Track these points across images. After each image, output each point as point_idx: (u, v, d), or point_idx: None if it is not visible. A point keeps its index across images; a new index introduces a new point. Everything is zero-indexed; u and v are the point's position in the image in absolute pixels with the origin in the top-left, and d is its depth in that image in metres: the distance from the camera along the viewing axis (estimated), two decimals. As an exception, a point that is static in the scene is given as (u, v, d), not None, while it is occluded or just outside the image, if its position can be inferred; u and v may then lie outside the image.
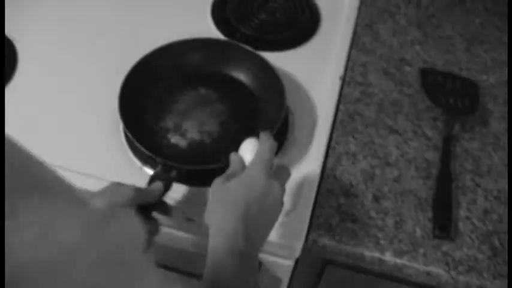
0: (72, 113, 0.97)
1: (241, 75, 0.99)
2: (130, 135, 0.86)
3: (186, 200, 0.85)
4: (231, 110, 0.95)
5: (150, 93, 0.96)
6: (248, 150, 0.75)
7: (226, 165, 0.77)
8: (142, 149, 0.85)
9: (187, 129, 0.92)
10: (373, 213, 0.86)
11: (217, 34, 1.11)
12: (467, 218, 0.87)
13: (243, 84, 0.99)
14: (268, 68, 0.95)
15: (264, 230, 0.70)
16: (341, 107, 1.00)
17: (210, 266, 0.65)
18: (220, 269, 0.64)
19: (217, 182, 0.72)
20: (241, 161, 0.75)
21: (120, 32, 1.10)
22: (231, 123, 0.93)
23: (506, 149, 0.96)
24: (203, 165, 0.85)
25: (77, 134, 0.93)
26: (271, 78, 0.94)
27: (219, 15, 1.16)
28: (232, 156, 0.76)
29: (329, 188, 0.89)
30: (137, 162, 0.89)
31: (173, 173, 0.81)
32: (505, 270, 0.81)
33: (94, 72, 1.03)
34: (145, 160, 0.89)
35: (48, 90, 1.00)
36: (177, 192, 0.86)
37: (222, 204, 0.70)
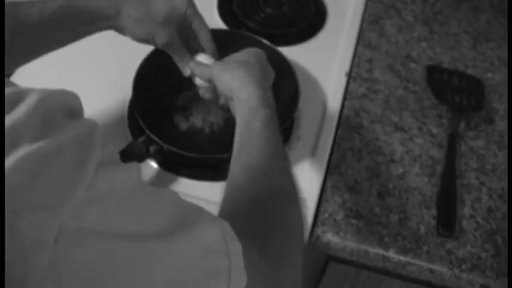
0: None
1: None
2: (134, 103, 0.88)
3: (190, 194, 0.85)
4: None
5: (169, 74, 0.96)
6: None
7: (208, 159, 0.83)
8: (138, 116, 0.85)
9: (192, 113, 0.93)
10: (377, 210, 0.86)
11: (223, 28, 1.11)
12: (471, 216, 0.87)
13: None
14: (282, 59, 0.95)
15: (270, 86, 0.76)
16: (346, 103, 1.00)
17: (242, 115, 0.69)
18: (255, 114, 0.68)
19: (217, 63, 0.79)
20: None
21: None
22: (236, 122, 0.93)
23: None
24: (182, 151, 0.84)
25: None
26: (285, 68, 0.95)
27: (225, 9, 1.16)
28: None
29: (334, 184, 0.89)
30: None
31: (152, 149, 0.83)
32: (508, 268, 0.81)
33: (101, 62, 1.03)
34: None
35: (54, 80, 0.99)
36: (182, 184, 0.86)
37: (237, 64, 0.75)
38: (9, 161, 0.32)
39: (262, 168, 0.62)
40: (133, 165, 0.43)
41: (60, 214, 0.34)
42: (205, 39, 0.84)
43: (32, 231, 0.32)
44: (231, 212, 0.58)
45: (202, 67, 0.80)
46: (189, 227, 0.44)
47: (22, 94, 0.36)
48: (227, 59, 0.78)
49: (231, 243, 0.47)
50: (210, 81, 0.79)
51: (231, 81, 0.74)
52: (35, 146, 0.34)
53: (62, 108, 0.39)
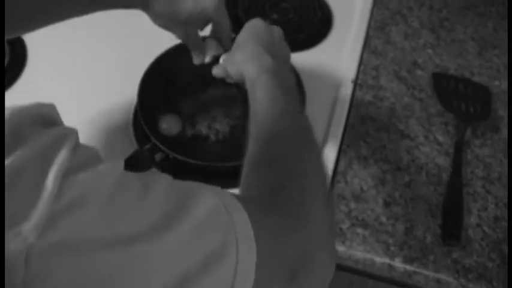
0: (82, 111, 0.97)
1: None
2: (139, 111, 0.88)
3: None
4: (247, 117, 0.94)
5: (175, 80, 0.97)
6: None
7: (213, 167, 0.83)
8: (142, 123, 0.85)
9: (198, 120, 0.93)
10: (383, 219, 0.86)
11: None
12: (478, 225, 0.87)
13: None
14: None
15: (285, 57, 0.78)
16: (352, 110, 1.00)
17: (249, 92, 0.70)
18: (256, 84, 0.68)
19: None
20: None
21: (132, 32, 1.09)
22: (241, 130, 0.93)
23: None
24: (188, 158, 0.84)
25: (87, 133, 0.93)
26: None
27: (230, 15, 1.15)
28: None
29: (339, 192, 0.88)
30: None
31: (157, 157, 0.83)
32: (515, 279, 0.81)
33: (106, 70, 1.03)
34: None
35: (57, 89, 1.00)
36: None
37: (237, 50, 0.76)
38: None
39: (272, 131, 0.62)
40: (113, 161, 0.41)
41: (26, 234, 0.32)
42: (226, 43, 0.85)
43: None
44: (246, 182, 0.58)
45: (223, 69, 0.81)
46: (186, 209, 0.42)
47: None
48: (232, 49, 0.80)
49: (234, 213, 0.45)
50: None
51: (232, 66, 0.76)
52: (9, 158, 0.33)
53: (36, 119, 0.37)
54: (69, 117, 0.95)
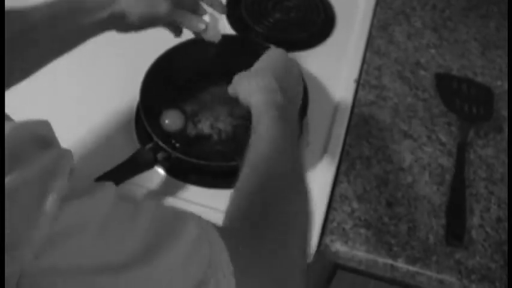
0: (85, 110, 0.96)
1: None
2: (141, 110, 0.88)
3: (198, 201, 0.85)
4: (250, 117, 0.94)
5: (177, 79, 0.97)
6: None
7: (216, 167, 0.84)
8: (145, 122, 0.85)
9: (201, 119, 0.93)
10: (386, 219, 0.86)
11: (232, 33, 1.10)
12: (481, 225, 0.86)
13: None
14: None
15: (295, 93, 0.79)
16: (355, 110, 1.00)
17: (253, 121, 0.70)
18: (262, 119, 0.68)
19: (240, 73, 0.79)
20: None
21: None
22: (244, 129, 0.93)
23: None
24: (190, 158, 0.84)
25: (90, 132, 0.93)
26: None
27: (233, 14, 1.15)
28: None
29: (342, 192, 0.88)
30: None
31: (159, 156, 0.83)
32: (518, 280, 0.81)
33: (109, 69, 1.02)
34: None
35: (60, 87, 1.00)
36: (190, 192, 0.86)
37: (252, 75, 0.76)
38: None
39: (265, 166, 0.62)
40: (106, 188, 0.42)
41: (21, 257, 0.33)
42: (218, 8, 0.86)
43: None
44: (231, 210, 0.58)
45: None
46: (171, 238, 0.43)
47: None
48: (248, 71, 0.80)
49: (216, 246, 0.46)
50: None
51: (246, 93, 0.75)
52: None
53: (33, 138, 0.38)
54: (72, 117, 0.95)
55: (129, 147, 0.88)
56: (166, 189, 0.86)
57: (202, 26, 0.83)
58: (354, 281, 0.94)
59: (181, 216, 0.47)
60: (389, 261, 0.82)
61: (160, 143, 0.83)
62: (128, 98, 0.95)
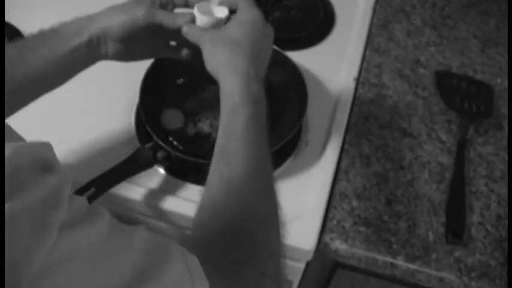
0: (85, 109, 0.97)
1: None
2: (141, 109, 0.88)
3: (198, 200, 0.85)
4: None
5: (177, 78, 0.98)
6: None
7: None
8: (145, 122, 0.85)
9: (200, 118, 0.93)
10: (385, 217, 0.86)
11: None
12: (480, 223, 0.86)
13: (270, 84, 0.98)
14: (290, 63, 0.96)
15: (264, 71, 0.70)
16: (355, 108, 1.00)
17: (225, 112, 0.64)
18: (236, 114, 0.62)
19: (209, 31, 0.70)
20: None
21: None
22: None
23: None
24: (190, 157, 0.84)
25: (90, 131, 0.93)
26: (293, 73, 0.95)
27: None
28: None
29: (342, 190, 0.88)
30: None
31: (159, 155, 0.83)
32: (517, 277, 0.81)
33: (108, 68, 1.02)
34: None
35: (59, 88, 0.99)
36: (189, 190, 0.86)
37: (225, 45, 0.67)
38: None
39: (241, 184, 0.59)
40: (101, 217, 0.43)
41: (17, 283, 0.33)
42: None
43: None
44: (202, 229, 0.57)
45: (194, 30, 0.72)
46: (158, 271, 0.45)
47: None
48: (220, 32, 0.70)
49: (197, 283, 0.47)
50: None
51: (216, 66, 0.67)
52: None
53: (34, 163, 0.38)
54: (72, 116, 0.95)
55: (129, 146, 0.88)
56: (166, 188, 0.86)
57: (184, 20, 0.74)
58: (353, 279, 0.95)
59: (168, 248, 0.48)
60: (389, 259, 0.82)
61: (160, 142, 0.83)
62: (127, 97, 0.95)
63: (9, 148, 0.35)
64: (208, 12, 0.73)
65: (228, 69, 0.66)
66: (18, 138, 0.42)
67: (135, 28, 0.72)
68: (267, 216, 0.60)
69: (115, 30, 0.72)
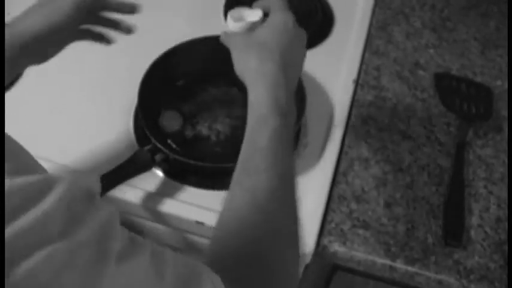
0: (83, 111, 0.96)
1: None
2: (139, 112, 0.88)
3: (196, 203, 0.85)
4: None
5: (175, 80, 0.98)
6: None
7: (214, 168, 0.83)
8: (143, 124, 0.85)
9: (199, 121, 0.93)
10: (384, 220, 0.86)
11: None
12: (480, 225, 0.86)
13: None
14: None
15: (296, 79, 0.68)
16: (354, 110, 0.99)
17: (250, 122, 0.61)
18: (261, 126, 0.60)
19: (239, 35, 0.68)
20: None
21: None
22: (242, 130, 0.92)
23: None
24: (188, 159, 0.84)
25: (88, 133, 0.93)
26: None
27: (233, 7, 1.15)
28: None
29: (341, 193, 0.88)
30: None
31: (157, 157, 0.83)
32: (517, 280, 0.81)
33: (107, 70, 1.02)
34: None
35: (58, 89, 1.00)
36: (188, 193, 0.86)
37: (252, 48, 0.65)
38: (38, 256, 0.32)
39: (264, 201, 0.56)
40: (145, 246, 0.42)
41: None
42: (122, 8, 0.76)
43: None
44: (222, 245, 0.55)
45: (226, 36, 0.71)
46: None
47: (51, 182, 0.35)
48: (248, 36, 0.68)
49: None
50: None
51: (243, 71, 0.65)
52: (60, 244, 0.33)
53: (84, 193, 0.38)
54: (70, 118, 0.95)
55: (127, 148, 0.88)
56: (164, 191, 0.86)
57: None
58: (352, 281, 0.94)
59: (199, 272, 0.46)
60: (388, 261, 0.82)
61: (159, 145, 0.83)
62: (126, 99, 0.95)
63: (63, 183, 0.35)
64: (241, 18, 0.71)
65: (256, 76, 0.63)
66: (41, 167, 0.42)
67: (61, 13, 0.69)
68: (289, 234, 0.58)
69: (36, 24, 0.69)
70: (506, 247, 0.84)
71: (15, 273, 0.31)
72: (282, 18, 0.68)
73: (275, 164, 0.58)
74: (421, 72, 1.07)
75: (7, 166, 0.33)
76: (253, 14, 0.71)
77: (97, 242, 0.36)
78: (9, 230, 0.31)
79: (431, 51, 1.11)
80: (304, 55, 0.71)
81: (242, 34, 0.69)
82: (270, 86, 0.62)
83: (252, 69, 0.64)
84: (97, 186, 0.41)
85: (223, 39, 0.71)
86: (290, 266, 0.57)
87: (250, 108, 0.63)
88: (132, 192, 0.85)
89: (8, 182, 0.32)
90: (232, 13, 0.72)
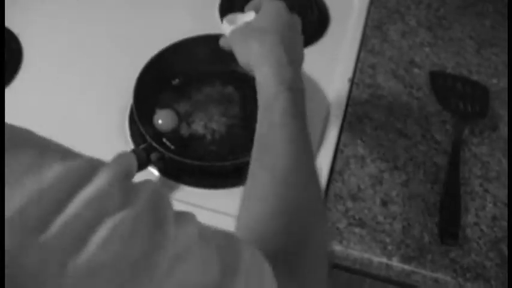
0: (78, 110, 0.96)
1: None
2: (134, 110, 0.88)
3: (192, 202, 0.85)
4: (244, 116, 0.94)
5: (170, 79, 0.98)
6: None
7: (209, 167, 0.83)
8: (138, 123, 0.85)
9: (194, 120, 0.92)
10: (380, 218, 0.85)
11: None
12: (476, 224, 0.86)
13: None
14: None
15: (299, 61, 0.70)
16: (349, 109, 0.99)
17: (261, 102, 0.63)
18: (271, 103, 0.61)
19: (236, 29, 0.72)
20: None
21: (128, 30, 1.09)
22: (238, 129, 0.93)
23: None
24: (184, 158, 0.84)
25: (83, 132, 0.92)
26: None
27: (226, 13, 1.15)
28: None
29: (337, 191, 0.88)
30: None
31: (153, 156, 0.82)
32: (513, 278, 0.81)
33: (102, 69, 1.02)
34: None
35: (54, 87, 0.99)
36: (183, 192, 0.86)
37: (252, 34, 0.68)
38: (101, 233, 0.32)
39: (287, 173, 0.58)
40: (188, 213, 0.42)
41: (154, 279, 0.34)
42: None
43: None
44: (253, 225, 0.55)
45: (225, 38, 0.75)
46: (236, 264, 0.42)
47: (97, 163, 0.36)
48: (245, 26, 0.72)
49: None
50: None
51: (246, 57, 0.68)
52: (118, 216, 0.33)
53: (128, 173, 0.38)
54: (65, 117, 0.95)
55: (122, 147, 0.87)
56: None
57: None
58: (349, 280, 0.94)
59: (236, 239, 0.46)
60: (384, 260, 0.82)
61: (154, 144, 0.83)
62: (121, 98, 0.95)
63: (109, 165, 0.36)
64: (236, 22, 0.75)
65: (259, 59, 0.66)
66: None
67: None
68: (313, 204, 0.59)
69: None
70: (502, 245, 0.84)
71: (88, 249, 0.31)
72: (274, 5, 0.71)
73: (290, 138, 0.60)
74: (416, 70, 1.07)
75: (51, 155, 0.34)
76: (247, 16, 0.75)
77: (152, 209, 0.36)
78: (72, 206, 0.32)
79: (427, 49, 1.11)
80: (301, 40, 0.73)
81: (239, 28, 0.72)
82: (274, 64, 0.64)
83: (255, 54, 0.66)
84: (134, 164, 0.41)
85: (223, 43, 0.75)
86: (319, 237, 0.58)
87: (259, 89, 0.65)
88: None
89: (61, 165, 0.33)
90: (226, 18, 0.76)
